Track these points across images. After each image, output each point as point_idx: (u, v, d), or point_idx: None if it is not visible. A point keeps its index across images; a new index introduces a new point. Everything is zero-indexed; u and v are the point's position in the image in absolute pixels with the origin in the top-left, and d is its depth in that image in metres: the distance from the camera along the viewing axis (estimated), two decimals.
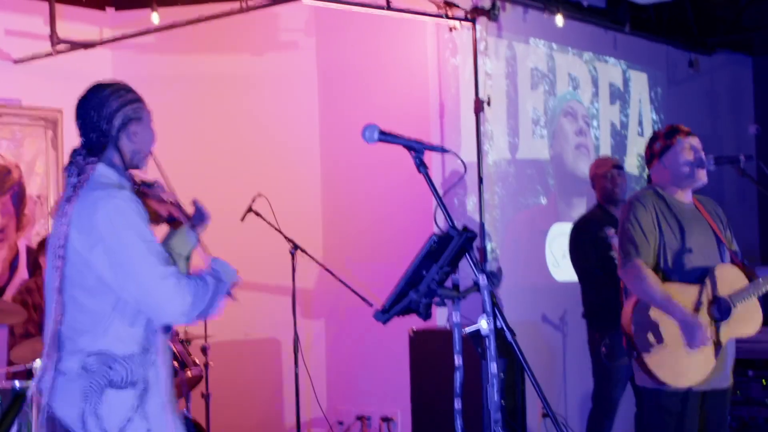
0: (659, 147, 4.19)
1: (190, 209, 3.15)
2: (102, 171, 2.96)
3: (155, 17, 6.46)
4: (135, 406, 2.89)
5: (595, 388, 5.78)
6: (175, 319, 2.91)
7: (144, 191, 3.04)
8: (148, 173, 3.12)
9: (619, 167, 5.82)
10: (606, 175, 5.77)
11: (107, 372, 2.87)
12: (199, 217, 3.16)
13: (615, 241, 5.25)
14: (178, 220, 3.06)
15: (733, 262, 4.21)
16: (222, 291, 2.97)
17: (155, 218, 3.03)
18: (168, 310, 2.86)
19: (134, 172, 3.09)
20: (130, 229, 2.85)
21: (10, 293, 6.37)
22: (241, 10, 6.07)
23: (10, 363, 5.45)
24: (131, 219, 2.86)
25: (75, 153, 3.00)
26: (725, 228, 4.27)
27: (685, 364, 4.00)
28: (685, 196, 4.20)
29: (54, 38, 6.39)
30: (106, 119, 2.97)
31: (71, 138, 6.93)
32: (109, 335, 2.89)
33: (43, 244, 6.22)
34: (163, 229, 3.09)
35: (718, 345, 4.07)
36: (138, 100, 3.04)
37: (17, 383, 4.96)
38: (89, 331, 2.90)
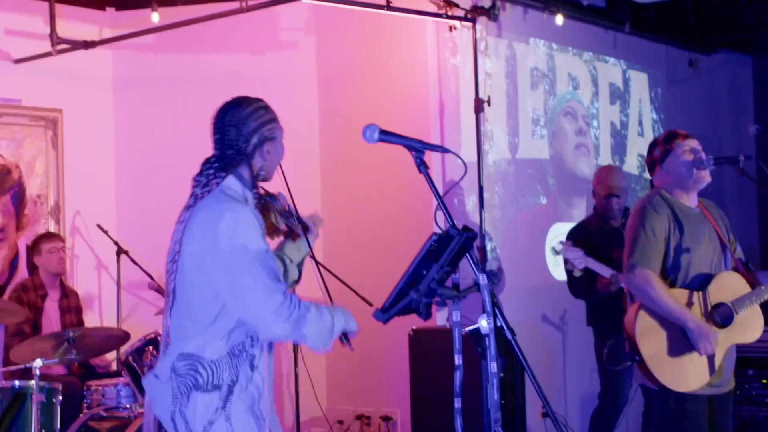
0: (659, 153, 4.19)
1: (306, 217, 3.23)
2: (230, 183, 3.02)
3: (155, 17, 6.46)
4: (217, 408, 2.92)
5: (603, 389, 5.80)
6: (275, 334, 2.93)
7: (267, 203, 3.10)
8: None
9: (616, 196, 5.71)
10: (603, 197, 5.77)
11: (194, 375, 2.92)
12: (311, 224, 3.26)
13: (569, 254, 5.25)
14: (295, 231, 3.13)
15: (736, 268, 4.21)
16: (334, 329, 2.98)
17: (273, 230, 3.10)
18: (268, 324, 2.89)
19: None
20: (247, 242, 2.89)
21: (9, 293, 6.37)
22: (241, 10, 6.07)
23: (7, 363, 5.45)
24: (250, 233, 2.90)
25: (206, 164, 3.06)
26: (729, 232, 4.27)
27: (686, 369, 4.01)
28: (691, 200, 4.19)
29: (54, 38, 6.38)
30: (245, 138, 3.05)
31: (71, 138, 6.99)
32: (202, 340, 2.93)
33: (36, 243, 6.22)
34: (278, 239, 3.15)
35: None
36: (274, 119, 3.13)
37: (17, 383, 4.97)
38: (189, 336, 2.95)
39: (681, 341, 4.00)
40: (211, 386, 2.91)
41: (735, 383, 4.25)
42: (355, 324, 3.08)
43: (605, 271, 5.32)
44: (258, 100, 3.14)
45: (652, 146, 4.25)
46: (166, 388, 2.94)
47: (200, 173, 3.05)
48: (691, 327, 3.97)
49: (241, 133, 3.04)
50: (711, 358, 4.03)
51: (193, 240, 2.94)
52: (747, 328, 4.14)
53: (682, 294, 4.04)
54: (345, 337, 3.07)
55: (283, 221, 3.11)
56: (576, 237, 5.64)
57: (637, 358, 4.02)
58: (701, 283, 4.09)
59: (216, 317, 2.93)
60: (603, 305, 5.59)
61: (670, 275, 4.08)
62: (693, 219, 4.16)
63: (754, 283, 4.16)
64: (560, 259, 5.90)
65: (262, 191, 3.13)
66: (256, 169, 3.06)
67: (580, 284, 5.56)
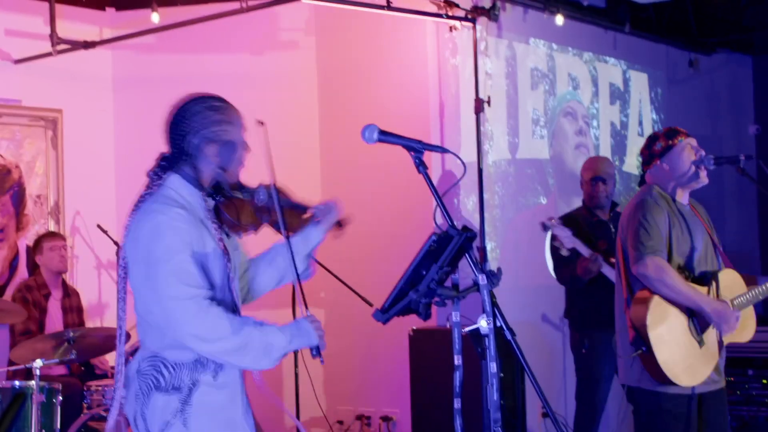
0: (660, 147, 4.16)
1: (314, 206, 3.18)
2: (173, 184, 2.93)
3: (155, 17, 6.46)
4: (176, 411, 2.85)
5: (578, 387, 5.77)
6: (192, 343, 2.80)
7: (234, 201, 2.99)
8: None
9: (602, 180, 5.73)
10: (588, 181, 5.78)
11: (156, 375, 2.87)
12: (324, 212, 3.19)
13: (557, 231, 5.25)
14: (289, 222, 3.04)
15: (728, 266, 4.22)
16: (268, 350, 2.84)
17: (247, 227, 3.01)
18: (183, 331, 2.79)
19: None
20: (163, 247, 2.80)
21: (10, 293, 6.37)
22: (241, 10, 6.08)
23: (10, 363, 5.45)
24: (168, 238, 2.80)
25: (160, 159, 2.98)
26: (713, 231, 4.28)
27: (691, 363, 3.98)
28: (684, 198, 4.19)
29: (54, 38, 6.39)
30: (186, 138, 2.94)
31: (71, 138, 6.99)
32: (167, 341, 2.87)
33: (38, 242, 6.22)
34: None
35: (720, 347, 4.09)
36: (224, 122, 2.98)
37: (17, 383, 4.97)
38: (155, 336, 2.90)
39: (691, 333, 3.99)
40: (172, 388, 2.86)
41: (734, 382, 4.25)
42: (308, 341, 2.94)
43: (588, 253, 5.31)
44: (214, 99, 3.03)
45: (653, 140, 4.21)
46: (132, 388, 2.91)
47: (152, 169, 2.98)
48: (709, 311, 3.95)
49: (182, 132, 2.95)
50: (714, 353, 4.03)
51: (126, 245, 2.90)
52: (742, 329, 4.14)
53: (699, 288, 4.03)
54: (316, 350, 2.97)
55: (263, 215, 3.02)
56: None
57: (643, 348, 3.95)
58: (702, 279, 4.09)
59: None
60: (581, 296, 5.57)
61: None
62: (688, 216, 4.16)
63: (749, 282, 4.17)
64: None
65: (231, 187, 3.03)
66: (205, 173, 2.97)
67: (566, 265, 5.52)
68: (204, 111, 2.99)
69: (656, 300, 3.97)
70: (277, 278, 3.23)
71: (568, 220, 5.76)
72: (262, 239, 3.24)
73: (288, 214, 3.11)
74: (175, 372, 2.86)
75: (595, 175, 5.74)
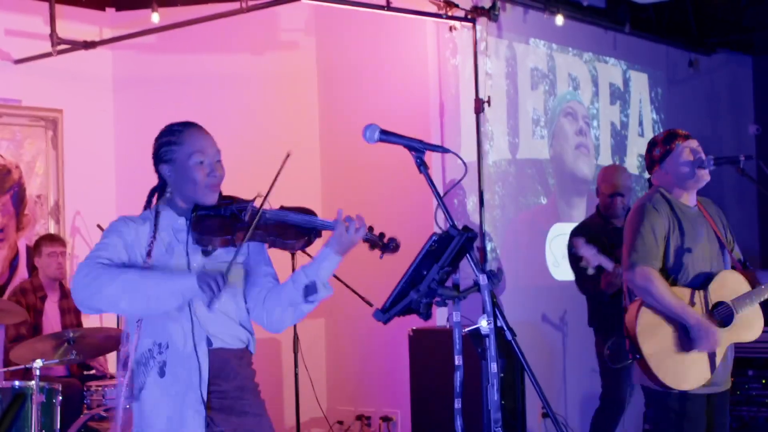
0: (659, 153, 4.19)
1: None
2: (156, 206, 3.14)
3: (155, 17, 6.46)
4: (137, 418, 3.02)
5: (604, 389, 5.80)
6: (79, 297, 2.94)
7: (204, 218, 3.04)
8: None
9: (620, 195, 5.77)
10: (607, 195, 5.79)
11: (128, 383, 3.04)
12: (335, 231, 3.07)
13: (583, 251, 5.24)
14: (285, 242, 3.02)
15: (735, 267, 4.22)
16: (146, 287, 2.88)
17: (219, 238, 3.00)
18: (74, 291, 2.95)
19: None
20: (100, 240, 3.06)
21: (9, 293, 6.36)
22: (241, 10, 6.07)
23: (8, 363, 5.45)
24: (107, 232, 3.07)
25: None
26: (726, 231, 4.27)
27: (686, 368, 4.01)
28: (690, 199, 4.19)
29: (54, 38, 6.38)
30: (153, 157, 3.14)
31: (71, 138, 6.99)
32: (127, 347, 3.05)
33: (38, 245, 6.22)
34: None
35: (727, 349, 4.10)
36: (169, 143, 3.09)
37: (17, 383, 4.96)
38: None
39: (682, 339, 4.01)
40: (132, 394, 3.00)
41: (734, 382, 4.25)
42: (185, 282, 2.88)
43: (612, 267, 5.33)
44: (170, 125, 3.15)
45: (652, 145, 4.24)
46: None
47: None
48: (693, 324, 3.97)
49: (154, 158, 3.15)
50: (711, 357, 4.03)
51: None
52: (747, 328, 4.15)
53: (683, 292, 4.04)
54: (209, 301, 2.87)
55: (235, 232, 2.99)
56: (579, 236, 5.66)
57: (637, 356, 4.02)
58: (701, 282, 4.09)
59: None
60: (605, 304, 5.59)
61: (670, 275, 4.08)
62: (692, 218, 4.16)
63: (754, 282, 4.17)
64: (560, 259, 5.91)
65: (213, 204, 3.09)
66: (176, 193, 3.10)
67: (591, 282, 5.55)
68: (160, 135, 3.15)
69: (644, 310, 4.02)
70: (280, 310, 3.14)
71: (583, 228, 5.77)
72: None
73: (282, 230, 3.05)
74: (133, 378, 3.01)
75: (615, 191, 5.77)
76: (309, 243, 3.06)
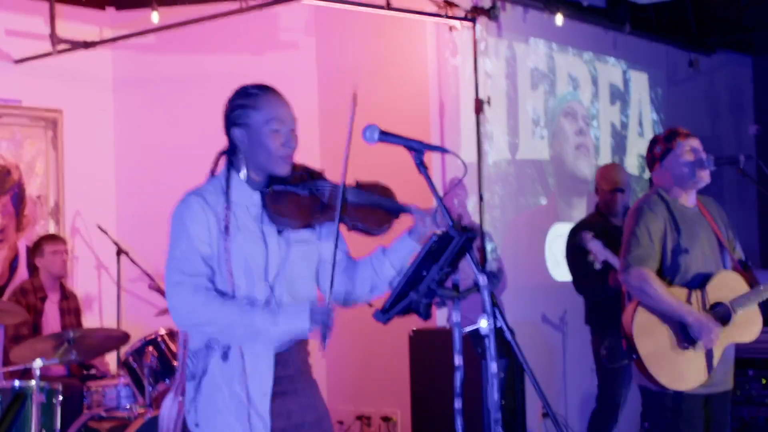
0: (659, 151, 4.19)
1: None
2: (223, 170, 2.95)
3: (155, 17, 6.46)
4: (191, 399, 2.91)
5: (600, 389, 5.80)
6: (178, 323, 2.88)
7: (281, 194, 2.90)
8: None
9: (621, 190, 5.78)
10: (608, 192, 5.80)
11: (189, 365, 2.93)
12: (422, 219, 2.97)
13: (591, 245, 5.24)
14: (368, 224, 2.93)
15: (735, 267, 4.21)
16: (254, 332, 2.79)
17: (298, 220, 2.89)
18: (173, 314, 2.85)
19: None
20: (173, 233, 2.87)
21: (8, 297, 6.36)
22: (241, 10, 6.08)
23: (7, 363, 5.45)
24: (178, 225, 2.86)
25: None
26: (727, 230, 4.26)
27: (683, 368, 4.01)
28: (689, 200, 4.19)
29: (54, 38, 6.38)
30: (226, 127, 2.97)
31: (71, 138, 6.99)
32: (191, 330, 2.93)
33: (39, 244, 6.22)
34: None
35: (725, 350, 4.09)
36: (243, 106, 2.96)
37: (17, 383, 4.96)
38: None
39: (679, 339, 4.01)
40: (192, 376, 2.91)
41: (733, 383, 4.24)
42: (299, 324, 2.81)
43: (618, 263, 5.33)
44: (246, 87, 3.03)
45: (653, 143, 4.24)
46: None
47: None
48: (691, 321, 3.97)
49: (225, 115, 3.00)
50: (708, 357, 4.03)
51: None
52: (745, 328, 4.14)
53: (681, 292, 4.04)
54: (322, 337, 2.82)
55: (314, 213, 2.90)
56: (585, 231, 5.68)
57: (634, 356, 4.02)
58: (700, 282, 4.09)
59: None
60: (603, 303, 5.59)
61: (667, 275, 4.08)
62: (690, 218, 4.16)
63: (752, 283, 4.16)
64: (560, 259, 5.90)
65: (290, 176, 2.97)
66: (251, 161, 2.95)
67: (594, 278, 5.53)
68: (232, 97, 3.01)
69: (641, 310, 4.03)
70: (368, 286, 3.14)
71: (584, 225, 5.77)
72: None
73: (365, 214, 2.97)
74: (194, 359, 2.91)
75: (616, 187, 5.78)
76: (390, 228, 2.97)
